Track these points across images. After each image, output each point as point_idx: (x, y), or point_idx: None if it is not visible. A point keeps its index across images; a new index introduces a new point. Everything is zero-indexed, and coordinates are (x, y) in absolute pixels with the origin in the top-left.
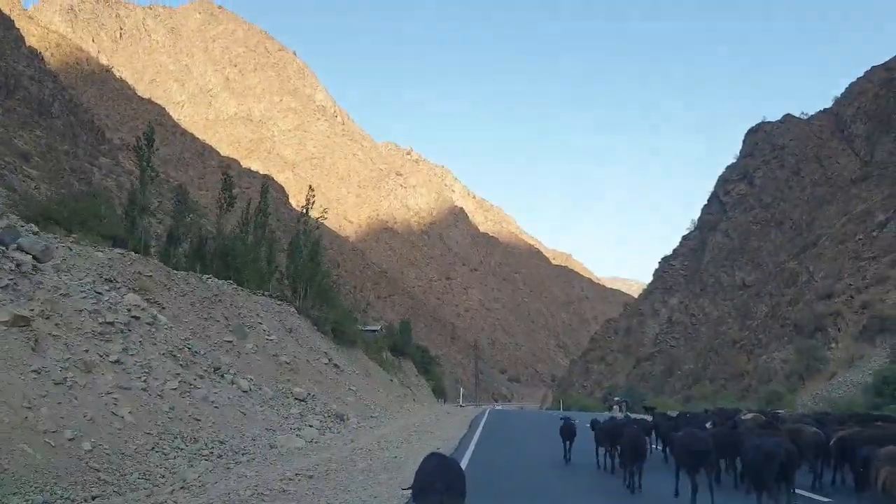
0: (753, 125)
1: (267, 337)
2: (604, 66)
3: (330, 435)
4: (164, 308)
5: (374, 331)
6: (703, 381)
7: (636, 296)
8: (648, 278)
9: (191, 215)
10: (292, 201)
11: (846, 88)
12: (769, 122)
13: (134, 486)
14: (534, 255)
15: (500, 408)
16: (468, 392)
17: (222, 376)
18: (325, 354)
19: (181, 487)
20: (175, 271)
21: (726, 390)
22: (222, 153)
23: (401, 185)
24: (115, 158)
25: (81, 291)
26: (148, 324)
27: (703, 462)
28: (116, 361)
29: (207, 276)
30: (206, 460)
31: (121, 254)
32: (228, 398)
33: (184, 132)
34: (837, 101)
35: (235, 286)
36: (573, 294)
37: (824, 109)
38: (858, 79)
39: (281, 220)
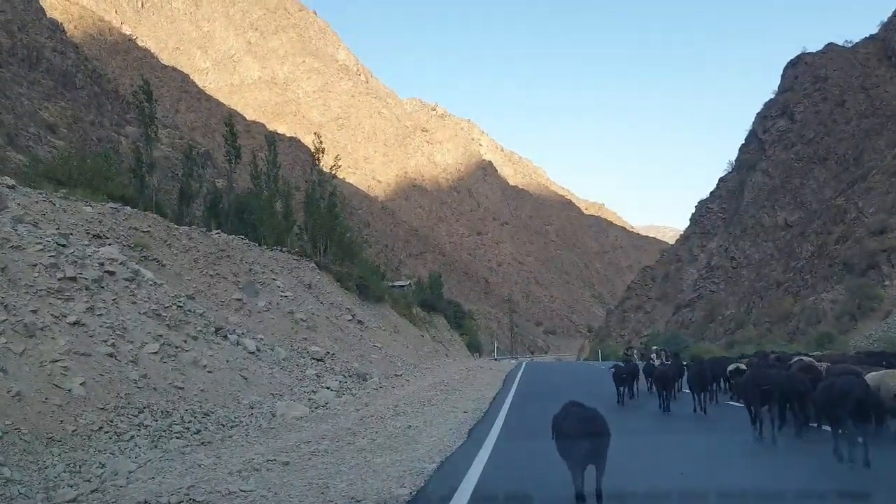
0: (793, 57)
1: (282, 294)
2: (631, 3)
3: (346, 397)
4: (163, 265)
5: (403, 286)
6: (746, 325)
7: (672, 243)
8: (684, 225)
9: (198, 170)
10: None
11: (893, 11)
12: (810, 53)
13: (54, 482)
14: (565, 206)
15: (532, 360)
16: (503, 346)
17: (225, 337)
18: (348, 311)
19: (94, 490)
20: (177, 226)
21: (772, 334)
22: (248, 118)
23: (427, 142)
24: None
25: (38, 244)
26: (127, 280)
27: (769, 400)
28: (76, 323)
29: (216, 231)
30: (177, 438)
31: (114, 208)
32: (227, 361)
33: (209, 98)
34: (884, 26)
35: (247, 241)
36: (607, 243)
37: (870, 36)
38: None
39: (309, 181)
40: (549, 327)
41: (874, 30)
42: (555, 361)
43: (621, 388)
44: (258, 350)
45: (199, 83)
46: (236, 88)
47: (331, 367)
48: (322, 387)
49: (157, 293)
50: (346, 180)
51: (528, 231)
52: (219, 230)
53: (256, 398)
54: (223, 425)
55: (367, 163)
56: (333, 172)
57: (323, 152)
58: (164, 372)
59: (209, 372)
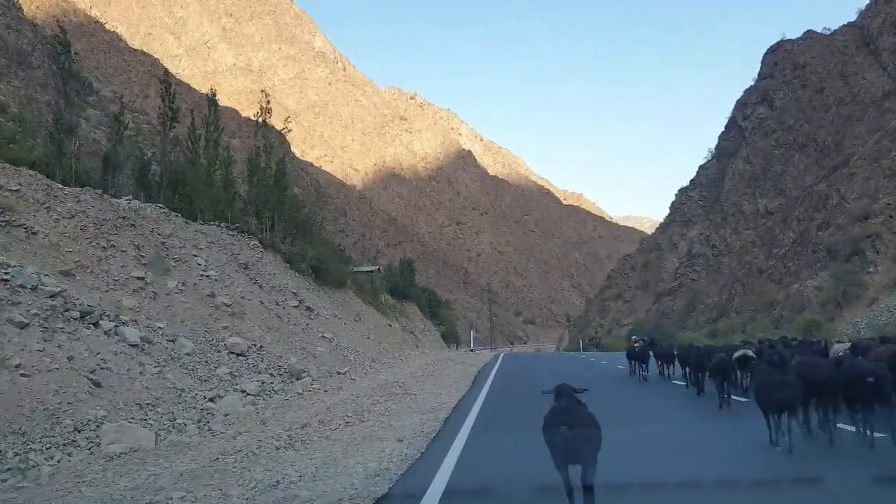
0: (772, 44)
1: (202, 273)
2: None
3: (256, 406)
4: (34, 233)
5: (370, 271)
6: (728, 313)
7: (650, 233)
8: (662, 215)
9: (126, 131)
10: (295, 150)
11: None
12: (789, 41)
13: None
14: (545, 196)
15: (511, 351)
16: (481, 336)
17: (96, 324)
18: (295, 295)
19: None
20: (63, 186)
21: (755, 322)
22: (222, 104)
23: (406, 131)
24: (104, 110)
25: None
26: None
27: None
28: None
29: (127, 197)
30: None
31: None
32: (70, 359)
33: (179, 83)
34: (862, 14)
35: (165, 210)
36: (586, 233)
37: (849, 23)
38: None
39: (253, 146)
40: (528, 317)
41: (852, 17)
42: (535, 352)
43: (633, 363)
44: (147, 342)
45: (172, 69)
46: (210, 75)
47: (254, 363)
48: (234, 389)
49: None
50: (323, 168)
51: (508, 221)
52: (130, 196)
53: (100, 413)
54: None
55: (344, 151)
56: (283, 135)
57: (270, 112)
58: None
59: (22, 375)
